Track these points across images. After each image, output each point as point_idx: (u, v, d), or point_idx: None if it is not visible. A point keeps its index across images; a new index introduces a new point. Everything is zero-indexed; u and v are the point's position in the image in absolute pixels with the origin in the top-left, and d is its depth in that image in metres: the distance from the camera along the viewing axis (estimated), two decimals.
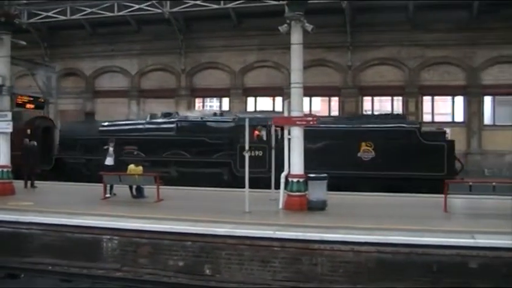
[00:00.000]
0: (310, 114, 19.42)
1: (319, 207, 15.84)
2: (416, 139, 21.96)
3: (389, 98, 32.44)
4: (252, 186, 20.29)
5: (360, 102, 32.23)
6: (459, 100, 31.66)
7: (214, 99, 35.80)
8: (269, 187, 18.59)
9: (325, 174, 16.46)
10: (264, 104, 33.59)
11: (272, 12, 24.03)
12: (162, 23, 32.99)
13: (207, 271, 12.67)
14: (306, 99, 28.49)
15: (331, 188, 16.94)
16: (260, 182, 21.30)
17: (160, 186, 18.16)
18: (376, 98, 32.66)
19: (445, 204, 15.45)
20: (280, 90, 31.08)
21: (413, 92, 31.47)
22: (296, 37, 16.29)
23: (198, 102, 35.68)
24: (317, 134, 21.58)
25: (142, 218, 14.50)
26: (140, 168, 19.26)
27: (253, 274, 12.30)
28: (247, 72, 34.15)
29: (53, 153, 27.76)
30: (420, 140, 21.90)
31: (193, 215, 14.64)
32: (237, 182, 22.08)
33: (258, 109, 32.77)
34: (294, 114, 16.37)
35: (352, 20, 31.13)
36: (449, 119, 31.44)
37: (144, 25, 34.71)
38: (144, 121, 27.62)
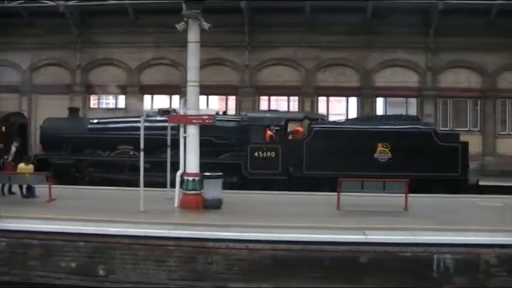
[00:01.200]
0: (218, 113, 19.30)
1: (214, 205, 15.82)
2: (432, 141, 22.01)
3: (286, 97, 32.92)
4: (265, 188, 20.48)
5: (256, 102, 32.52)
6: (353, 101, 32.65)
7: (111, 96, 34.90)
8: (283, 189, 17.91)
9: (220, 173, 16.51)
10: (161, 102, 33.15)
11: (170, 10, 23.74)
12: (57, 16, 31.81)
13: (101, 272, 12.35)
14: (203, 98, 28.64)
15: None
16: (273, 184, 21.67)
17: (52, 186, 17.54)
18: (272, 98, 33.03)
19: (337, 202, 15.85)
20: (177, 88, 30.77)
21: (309, 92, 32.13)
22: (193, 35, 16.18)
23: (93, 99, 34.65)
24: (336, 135, 21.68)
25: (32, 218, 13.88)
26: (31, 166, 18.50)
27: (148, 274, 12.12)
28: (144, 70, 33.58)
29: (30, 153, 25.41)
30: (435, 141, 21.99)
31: (86, 215, 14.18)
32: (247, 185, 21.63)
33: (155, 107, 32.35)
34: (190, 112, 16.24)
35: (250, 20, 31.36)
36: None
37: (37, 18, 33.29)
38: (138, 119, 25.52)
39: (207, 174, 16.23)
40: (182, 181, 16.11)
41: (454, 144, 22.26)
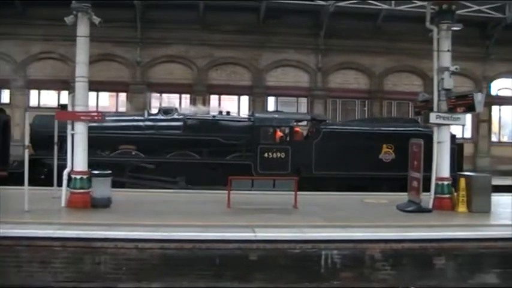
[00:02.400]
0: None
1: (103, 204, 15.40)
2: (431, 142, 21.97)
3: (178, 95, 32.72)
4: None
5: (148, 99, 32.06)
6: (245, 99, 32.93)
7: None
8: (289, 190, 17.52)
9: (109, 171, 16.14)
10: (49, 98, 32.02)
11: (59, 2, 22.97)
12: None
13: None
14: (93, 94, 27.92)
15: (355, 189, 17.49)
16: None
17: None
18: (164, 95, 32.73)
19: (228, 200, 15.89)
20: (66, 83, 29.77)
21: (201, 90, 32.08)
22: (82, 29, 15.67)
23: None
24: (343, 136, 21.92)
25: None
26: None
27: (33, 276, 11.62)
28: (31, 63, 32.25)
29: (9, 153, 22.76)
30: None
31: None
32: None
33: (42, 103, 31.22)
34: (79, 108, 15.76)
35: (142, 16, 30.90)
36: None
37: None
38: (142, 117, 24.08)
39: (96, 172, 15.80)
40: (69, 179, 15.60)
41: (452, 146, 22.51)
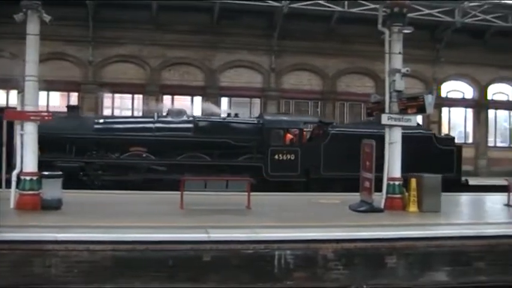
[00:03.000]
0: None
1: (54, 206, 15.09)
2: (433, 144, 24.17)
3: (131, 95, 32.40)
4: (284, 190, 21.00)
5: (100, 99, 31.63)
6: (198, 100, 32.79)
7: None
8: (301, 191, 17.23)
9: (60, 172, 15.87)
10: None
11: None
12: None
13: None
14: (43, 94, 27.40)
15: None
16: (293, 186, 22.16)
17: None
18: (116, 95, 32.36)
19: (181, 201, 15.80)
20: (15, 82, 29.10)
21: (154, 90, 31.78)
22: (32, 27, 15.34)
23: None
24: (350, 138, 21.72)
25: None
26: None
27: None
28: None
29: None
30: (436, 145, 24.15)
31: None
32: (267, 187, 21.54)
33: None
34: (28, 108, 15.43)
35: (94, 15, 30.45)
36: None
37: None
38: (152, 119, 23.91)
39: (46, 173, 15.49)
40: (19, 181, 15.25)
41: (451, 148, 24.70)
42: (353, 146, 19.69)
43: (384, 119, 16.74)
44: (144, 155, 22.87)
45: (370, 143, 17.06)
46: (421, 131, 25.52)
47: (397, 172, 16.97)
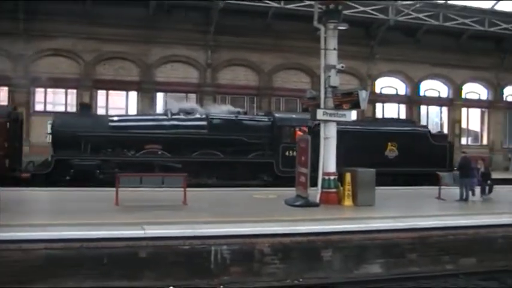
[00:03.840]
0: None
1: None
2: (428, 140, 25.89)
3: (64, 90, 31.61)
4: (293, 185, 20.02)
5: (32, 94, 30.80)
6: (133, 95, 32.38)
7: None
8: (310, 186, 17.43)
9: None
10: None
11: None
12: None
13: None
14: None
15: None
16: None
17: None
18: (49, 90, 31.52)
19: (116, 198, 15.56)
20: None
21: (87, 85, 31.18)
22: None
23: None
24: (355, 135, 23.12)
25: None
26: None
27: None
28: None
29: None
30: (431, 141, 25.87)
31: None
32: (278, 182, 22.38)
33: None
34: None
35: (26, 7, 29.51)
36: (123, 113, 31.89)
37: None
38: (166, 117, 24.15)
39: None
40: None
41: (444, 144, 26.67)
42: (357, 142, 21.52)
43: (319, 114, 16.94)
44: (159, 153, 23.02)
45: (305, 138, 17.24)
46: (418, 128, 27.88)
47: (332, 167, 17.21)
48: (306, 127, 24.05)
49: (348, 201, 16.97)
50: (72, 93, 31.60)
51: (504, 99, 42.05)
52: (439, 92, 40.21)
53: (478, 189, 19.92)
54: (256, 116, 26.63)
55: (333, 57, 17.15)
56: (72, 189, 19.32)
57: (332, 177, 17.14)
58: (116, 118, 24.57)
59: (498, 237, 14.74)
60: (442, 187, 19.75)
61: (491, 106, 41.30)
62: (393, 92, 38.79)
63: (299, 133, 24.11)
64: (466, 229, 14.55)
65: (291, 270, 12.44)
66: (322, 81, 17.33)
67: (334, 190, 17.12)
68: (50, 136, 22.59)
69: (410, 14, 33.06)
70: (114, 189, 15.83)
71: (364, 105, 16.76)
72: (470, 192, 19.34)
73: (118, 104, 32.46)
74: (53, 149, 22.47)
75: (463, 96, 40.57)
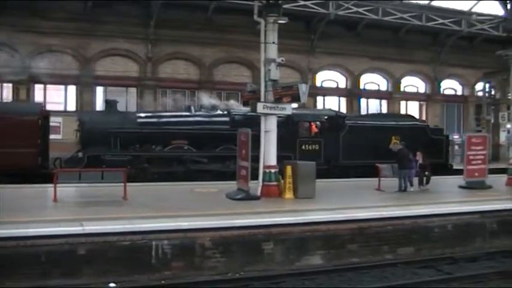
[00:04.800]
0: None
1: None
2: (427, 134, 27.63)
3: None
4: None
5: None
6: (72, 89, 31.78)
7: None
8: (323, 177, 19.89)
9: None
10: None
11: None
12: None
13: None
14: None
15: (372, 175, 20.60)
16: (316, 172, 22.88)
17: None
18: None
19: (54, 194, 15.28)
20: None
21: (24, 79, 30.32)
22: None
23: None
24: (364, 129, 24.64)
25: None
26: None
27: None
28: None
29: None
30: (429, 135, 27.62)
31: None
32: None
33: None
34: None
35: None
36: (62, 108, 31.38)
37: None
38: (190, 113, 25.15)
39: None
40: None
41: (441, 137, 28.60)
42: (367, 136, 22.48)
43: (260, 107, 16.99)
44: (185, 148, 23.94)
45: (245, 132, 17.28)
46: (417, 122, 29.77)
47: (273, 160, 17.30)
48: (319, 122, 26.21)
49: (288, 194, 17.10)
50: (8, 88, 30.79)
51: (441, 92, 43.20)
52: (378, 85, 40.96)
53: (416, 180, 20.40)
54: None
55: (273, 51, 17.23)
56: (6, 186, 18.79)
57: (273, 170, 17.23)
58: (143, 115, 25.69)
59: (435, 226, 15.16)
60: (381, 178, 20.16)
61: (429, 99, 42.33)
62: (334, 85, 39.26)
63: (314, 128, 26.22)
64: (404, 219, 14.90)
65: (233, 263, 12.50)
66: (262, 74, 17.39)
67: (275, 183, 17.23)
68: (78, 133, 23.54)
69: (350, 9, 33.50)
70: (51, 185, 15.55)
71: (304, 98, 16.90)
72: (408, 183, 19.79)
73: (56, 99, 31.78)
74: (82, 146, 23.13)
75: (401, 89, 41.51)
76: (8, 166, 18.39)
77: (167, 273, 11.89)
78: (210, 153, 24.00)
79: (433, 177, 21.28)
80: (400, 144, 21.62)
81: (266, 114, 17.25)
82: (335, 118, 27.38)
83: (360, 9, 33.87)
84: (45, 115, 22.84)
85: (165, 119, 25.49)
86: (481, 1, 35.54)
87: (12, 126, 19.63)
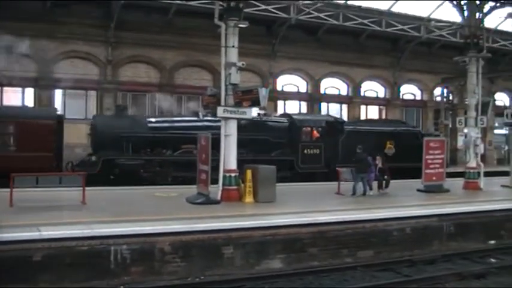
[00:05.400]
0: None
1: None
2: (418, 139, 27.44)
3: None
4: (310, 179, 24.27)
5: None
6: (30, 92, 31.24)
7: None
8: (323, 180, 21.55)
9: None
10: None
11: None
12: None
13: None
14: None
15: None
16: (317, 176, 25.44)
17: None
18: None
19: (10, 198, 14.96)
20: None
21: None
22: None
23: None
24: (361, 134, 25.44)
25: None
26: None
27: None
28: None
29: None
30: (420, 140, 26.58)
31: None
32: (298, 178, 25.01)
33: None
34: None
35: None
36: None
37: None
38: (198, 118, 25.50)
39: None
40: None
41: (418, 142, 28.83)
42: (364, 141, 22.81)
43: (220, 111, 16.99)
44: (194, 152, 23.33)
45: (205, 136, 17.27)
46: (410, 128, 31.66)
47: (233, 164, 17.30)
48: (320, 128, 27.50)
49: (249, 198, 17.12)
50: None
51: (401, 97, 43.75)
52: (338, 89, 41.24)
53: (375, 184, 20.62)
54: (277, 118, 28.94)
55: (233, 55, 17.24)
56: None
57: (233, 175, 17.22)
58: (153, 119, 26.33)
59: (393, 229, 15.36)
60: (341, 182, 20.33)
61: (389, 104, 42.79)
62: (294, 89, 39.43)
63: (315, 133, 27.46)
64: (364, 223, 15.06)
65: (193, 268, 12.48)
66: (222, 78, 17.39)
67: (235, 187, 17.23)
68: (90, 137, 24.24)
69: (312, 14, 33.66)
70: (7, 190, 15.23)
71: (264, 102, 16.97)
72: (367, 187, 19.98)
73: (13, 101, 31.19)
74: (94, 149, 23.98)
75: (361, 94, 41.84)
76: (27, 169, 18.06)
77: (126, 279, 11.79)
78: (217, 157, 23.72)
79: (392, 181, 21.51)
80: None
81: (226, 118, 17.22)
82: (334, 123, 28.62)
83: (321, 14, 34.02)
84: (60, 119, 23.43)
85: (174, 124, 26.09)
86: (439, 8, 36.04)
87: (30, 131, 20.89)
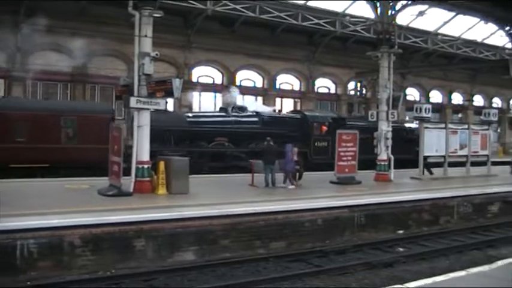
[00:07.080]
0: None
1: None
2: (405, 134, 32.48)
3: None
4: (317, 169, 26.09)
5: None
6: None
7: None
8: (332, 170, 22.35)
9: None
10: None
11: None
12: None
13: None
14: None
15: (366, 167, 24.03)
16: (323, 166, 26.71)
17: None
18: None
19: None
20: None
21: None
22: None
23: None
24: (360, 129, 25.15)
25: None
26: None
27: None
28: None
29: None
30: (406, 134, 32.50)
31: None
32: (311, 167, 26.04)
33: None
34: None
35: None
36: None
37: None
38: (227, 113, 28.18)
39: None
40: None
41: (414, 136, 30.81)
42: (361, 135, 23.87)
43: (133, 102, 16.71)
44: (226, 144, 27.05)
45: (118, 127, 16.98)
46: (399, 124, 32.74)
47: (145, 156, 17.08)
48: (327, 123, 30.37)
49: (161, 190, 16.95)
50: None
51: (315, 90, 44.49)
52: (254, 82, 41.50)
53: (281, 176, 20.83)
54: (292, 114, 32.18)
55: (147, 45, 17.01)
56: None
57: (146, 166, 17.01)
58: (190, 114, 28.68)
59: (305, 221, 15.59)
60: (255, 174, 20.46)
61: (304, 96, 43.52)
62: (210, 81, 39.38)
63: (324, 128, 30.34)
64: (276, 214, 15.21)
65: (103, 261, 12.26)
66: (136, 68, 17.11)
67: (147, 179, 17.02)
68: None
69: (228, 5, 33.61)
70: None
71: (177, 93, 16.82)
72: (275, 178, 20.16)
73: None
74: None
75: (277, 86, 42.28)
76: (88, 161, 21.49)
77: (33, 274, 11.43)
78: (244, 148, 27.30)
79: (305, 173, 21.85)
80: (267, 140, 22.08)
81: (139, 109, 16.96)
82: (338, 119, 31.56)
83: (238, 6, 34.04)
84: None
85: (208, 119, 28.93)
86: (354, 3, 36.86)
87: (92, 124, 23.11)
